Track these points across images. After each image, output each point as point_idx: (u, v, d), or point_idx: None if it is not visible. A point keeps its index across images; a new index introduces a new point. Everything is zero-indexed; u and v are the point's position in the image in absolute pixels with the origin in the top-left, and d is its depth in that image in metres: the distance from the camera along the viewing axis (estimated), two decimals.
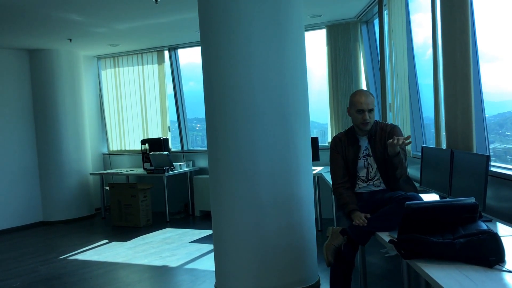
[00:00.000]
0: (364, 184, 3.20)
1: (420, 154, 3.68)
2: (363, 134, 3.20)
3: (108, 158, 8.84)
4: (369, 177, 3.18)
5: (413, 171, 4.34)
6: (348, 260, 2.91)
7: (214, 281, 4.07)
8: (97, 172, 8.16)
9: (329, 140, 6.72)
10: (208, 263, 4.86)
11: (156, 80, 8.25)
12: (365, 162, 3.18)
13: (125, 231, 6.89)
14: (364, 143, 3.20)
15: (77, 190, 7.85)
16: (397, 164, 3.01)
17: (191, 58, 8.39)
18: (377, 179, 3.17)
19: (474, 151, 3.04)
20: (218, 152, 3.85)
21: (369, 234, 2.83)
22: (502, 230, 2.51)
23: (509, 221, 2.71)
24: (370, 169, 3.17)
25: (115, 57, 8.60)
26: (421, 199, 2.88)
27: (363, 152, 3.20)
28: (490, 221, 2.66)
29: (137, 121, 8.50)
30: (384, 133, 3.16)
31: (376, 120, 3.23)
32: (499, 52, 3.56)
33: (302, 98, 3.92)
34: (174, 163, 7.45)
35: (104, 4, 5.31)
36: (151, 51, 8.20)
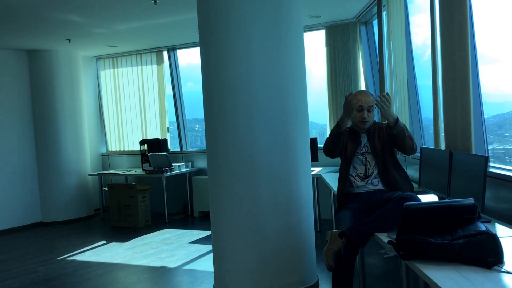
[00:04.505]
0: (363, 183, 3.21)
1: (418, 155, 3.69)
2: (363, 132, 3.26)
3: (107, 158, 8.84)
4: (367, 174, 3.20)
5: (412, 172, 4.35)
6: (348, 262, 2.91)
7: (213, 281, 4.07)
8: (96, 173, 8.15)
9: None
10: (207, 264, 4.86)
11: (155, 80, 8.24)
12: (364, 159, 3.22)
13: (124, 231, 6.89)
14: (364, 140, 3.26)
15: (76, 190, 7.84)
16: (401, 134, 3.05)
17: (189, 58, 8.41)
18: (375, 177, 3.19)
19: (473, 152, 3.05)
20: (217, 153, 3.84)
21: (367, 235, 2.83)
22: (500, 231, 2.52)
23: (508, 222, 2.71)
24: (369, 166, 3.21)
25: (114, 58, 8.60)
26: (418, 198, 2.89)
27: (362, 149, 3.25)
28: (488, 222, 2.66)
29: (136, 121, 8.50)
30: (381, 130, 3.24)
31: (374, 121, 3.29)
32: (498, 53, 3.57)
33: (301, 99, 3.92)
34: (173, 164, 7.45)
35: (103, 4, 5.31)
36: (150, 52, 8.20)
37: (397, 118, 3.10)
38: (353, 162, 3.24)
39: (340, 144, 3.22)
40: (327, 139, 3.27)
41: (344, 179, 3.25)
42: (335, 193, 3.81)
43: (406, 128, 3.12)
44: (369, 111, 3.18)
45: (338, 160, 3.40)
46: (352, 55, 6.60)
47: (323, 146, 3.32)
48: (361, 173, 3.22)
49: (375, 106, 3.21)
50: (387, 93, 3.19)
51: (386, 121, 3.15)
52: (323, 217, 6.28)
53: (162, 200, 7.36)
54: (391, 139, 3.17)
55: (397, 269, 3.93)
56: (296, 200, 3.80)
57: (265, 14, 3.68)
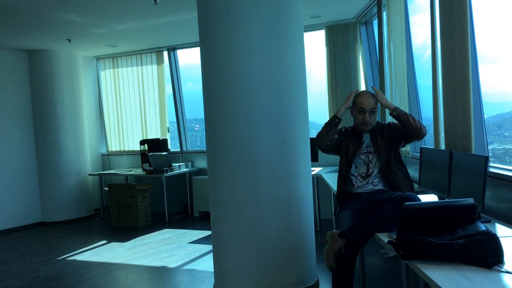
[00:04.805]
0: (363, 182, 3.21)
1: (418, 155, 3.69)
2: (365, 133, 3.27)
3: (107, 158, 8.84)
4: (368, 173, 3.21)
5: (412, 172, 4.34)
6: (349, 262, 2.91)
7: (213, 281, 4.07)
8: (96, 173, 8.15)
9: None
10: (207, 264, 4.86)
11: (155, 80, 8.24)
12: (366, 159, 3.23)
13: (124, 231, 6.89)
14: (366, 140, 3.27)
15: (76, 190, 7.84)
16: (404, 117, 3.09)
17: (189, 58, 8.41)
18: (375, 176, 3.20)
19: (473, 152, 3.05)
20: (217, 153, 3.85)
21: (367, 235, 2.83)
22: (500, 231, 2.52)
23: (508, 222, 2.71)
24: (370, 165, 3.22)
25: (114, 58, 8.60)
26: (418, 198, 2.89)
27: (364, 149, 3.25)
28: (489, 222, 2.66)
29: (136, 121, 8.50)
30: (384, 129, 3.26)
31: (377, 121, 3.29)
32: (498, 53, 3.57)
33: (301, 99, 3.92)
34: (173, 164, 7.45)
35: (103, 4, 5.31)
36: (150, 52, 8.20)
37: (394, 108, 3.17)
38: (355, 162, 3.24)
39: (333, 133, 3.24)
40: (321, 130, 3.28)
41: (345, 178, 3.25)
42: (335, 193, 3.82)
43: (408, 116, 3.13)
44: (371, 113, 3.19)
45: (338, 159, 3.39)
46: (352, 55, 6.60)
47: (316, 136, 3.31)
48: (363, 173, 3.23)
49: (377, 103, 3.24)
50: (373, 87, 3.39)
51: (390, 115, 3.19)
52: (323, 217, 6.28)
53: (162, 200, 7.36)
54: (398, 132, 3.17)
55: (397, 269, 3.93)
56: (296, 200, 3.80)
57: (265, 14, 3.68)
